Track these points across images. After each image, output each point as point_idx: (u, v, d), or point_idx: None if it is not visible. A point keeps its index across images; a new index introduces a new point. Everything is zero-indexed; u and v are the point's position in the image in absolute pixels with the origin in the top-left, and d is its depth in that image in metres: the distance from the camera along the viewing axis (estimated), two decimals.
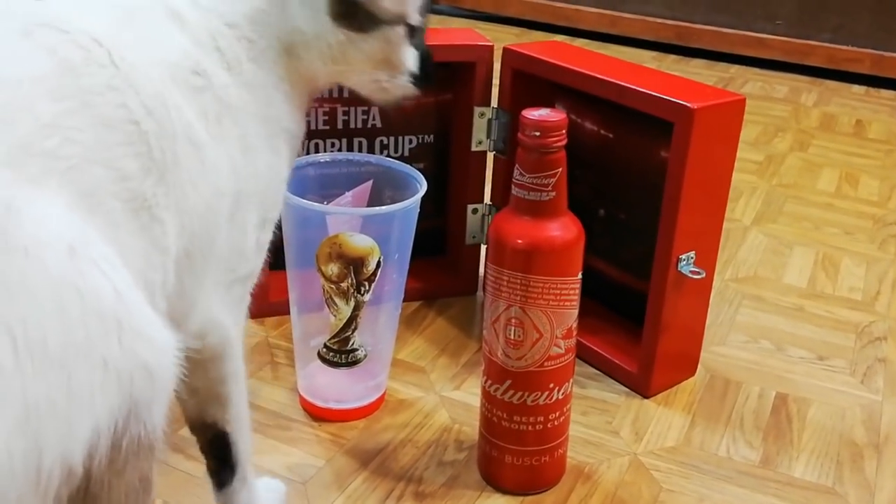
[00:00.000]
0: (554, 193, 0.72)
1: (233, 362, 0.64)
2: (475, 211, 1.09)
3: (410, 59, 0.67)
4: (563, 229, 0.73)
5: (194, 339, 0.59)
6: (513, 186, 0.73)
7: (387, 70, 0.66)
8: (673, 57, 2.37)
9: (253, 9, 0.61)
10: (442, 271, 1.12)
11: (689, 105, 0.83)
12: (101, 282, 0.42)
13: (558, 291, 0.73)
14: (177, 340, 0.47)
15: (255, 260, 0.63)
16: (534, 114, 0.71)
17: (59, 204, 0.43)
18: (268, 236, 0.64)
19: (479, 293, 1.11)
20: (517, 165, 0.73)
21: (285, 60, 0.62)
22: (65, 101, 0.46)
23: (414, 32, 0.66)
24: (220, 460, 0.67)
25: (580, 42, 2.45)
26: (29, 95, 0.45)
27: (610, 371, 0.97)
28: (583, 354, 0.98)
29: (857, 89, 2.17)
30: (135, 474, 0.44)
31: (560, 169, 0.72)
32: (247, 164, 0.59)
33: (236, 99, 0.58)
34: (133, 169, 0.48)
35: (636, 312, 0.95)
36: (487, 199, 1.10)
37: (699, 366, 0.99)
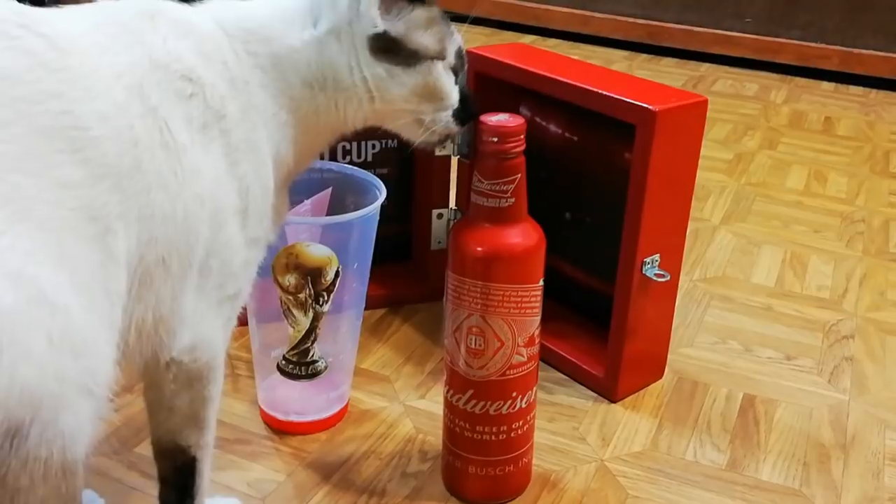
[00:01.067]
0: (513, 200, 0.71)
1: (216, 385, 0.63)
2: (440, 216, 1.07)
3: (454, 92, 0.65)
4: (524, 236, 0.72)
5: (184, 355, 0.59)
6: (471, 193, 0.72)
7: (431, 103, 0.64)
8: (644, 56, 2.37)
9: (284, 46, 0.61)
10: (407, 277, 1.11)
11: (650, 107, 0.83)
12: None
13: (519, 299, 0.72)
14: (110, 360, 0.46)
15: (243, 278, 0.62)
16: (492, 119, 0.70)
17: None
18: (256, 256, 0.63)
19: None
20: (475, 172, 0.71)
21: (303, 94, 0.62)
22: None
23: (455, 70, 0.66)
24: (181, 490, 0.65)
25: (551, 42, 2.45)
26: None
27: (577, 376, 0.96)
28: (549, 359, 0.97)
29: (827, 86, 2.18)
30: (45, 493, 0.43)
31: (519, 175, 0.71)
32: (231, 179, 0.58)
33: (231, 113, 0.57)
34: (77, 176, 0.47)
35: (603, 316, 0.94)
36: (452, 203, 1.08)
37: (667, 368, 0.98)
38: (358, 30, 0.61)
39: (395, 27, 0.62)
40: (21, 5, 0.51)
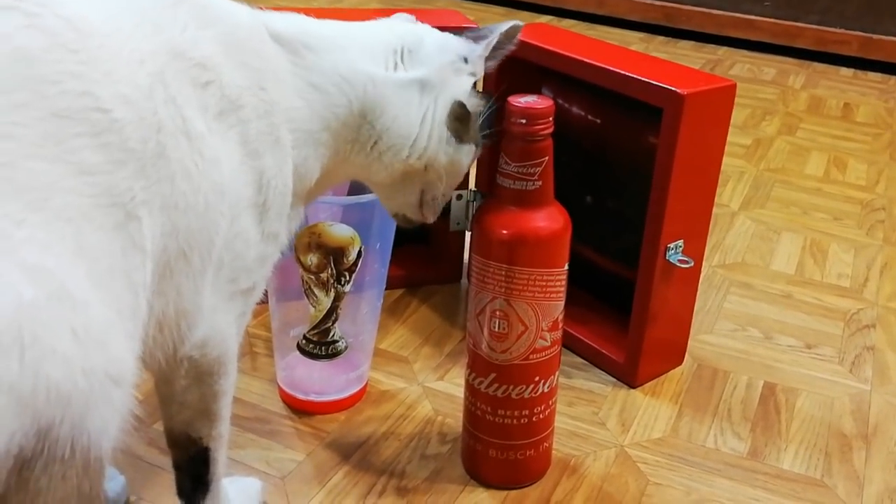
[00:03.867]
0: (540, 183, 0.70)
1: (228, 379, 0.62)
2: (459, 197, 1.06)
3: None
4: (550, 220, 0.71)
5: (196, 349, 0.57)
6: (498, 175, 0.71)
7: (450, 181, 0.69)
8: (660, 38, 2.35)
9: (361, 74, 0.62)
10: (425, 258, 1.10)
11: (678, 91, 0.81)
12: (1, 294, 0.38)
13: (544, 283, 0.71)
14: (132, 354, 0.45)
15: (258, 273, 0.60)
16: (520, 101, 0.69)
17: None
18: (272, 251, 0.61)
19: (464, 280, 1.09)
20: (502, 154, 0.70)
21: (355, 122, 0.63)
22: (10, 93, 0.43)
23: None
24: (196, 478, 0.65)
25: (567, 23, 2.43)
26: None
27: (597, 361, 0.96)
28: (569, 344, 0.96)
29: (845, 72, 2.16)
30: (65, 494, 0.41)
31: (546, 158, 0.70)
32: (249, 170, 0.56)
33: (249, 104, 0.56)
34: (96, 161, 0.45)
35: (623, 301, 0.93)
36: (472, 185, 1.07)
37: (686, 355, 0.97)
38: (447, 91, 0.65)
39: (472, 103, 0.67)
40: None
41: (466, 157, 0.68)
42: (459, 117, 0.65)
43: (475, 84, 0.68)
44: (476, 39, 0.68)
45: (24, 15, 0.45)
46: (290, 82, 0.60)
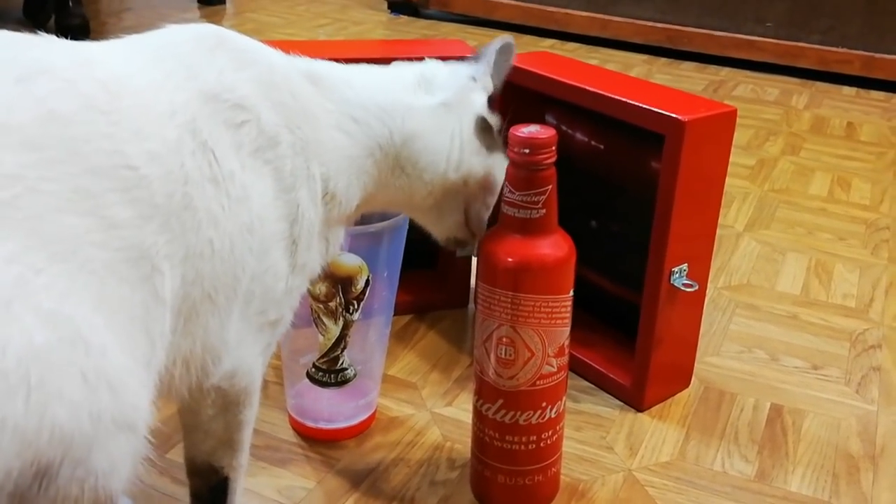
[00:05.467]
0: (544, 211, 0.71)
1: (252, 409, 0.64)
2: None
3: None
4: (554, 247, 0.72)
5: (225, 380, 0.59)
6: (502, 204, 0.72)
7: (486, 193, 0.73)
8: (663, 60, 2.37)
9: (399, 104, 0.68)
10: (433, 284, 1.11)
11: (679, 117, 0.83)
12: (12, 336, 0.40)
13: (550, 310, 0.72)
14: (146, 401, 0.46)
15: (286, 305, 0.62)
16: (523, 130, 0.70)
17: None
18: (300, 283, 0.63)
19: (471, 305, 1.10)
20: (506, 182, 0.72)
21: (395, 146, 0.67)
22: (43, 150, 0.45)
23: None
24: None
25: (570, 46, 2.45)
26: None
27: (603, 384, 0.96)
28: (576, 368, 0.97)
29: (848, 91, 2.17)
30: None
31: (550, 186, 0.71)
32: (282, 204, 0.58)
33: (287, 141, 0.59)
34: (126, 216, 0.47)
35: (629, 324, 0.94)
36: None
37: (693, 377, 0.98)
38: (468, 108, 0.71)
39: (491, 118, 0.73)
40: (78, 44, 0.52)
41: (499, 164, 0.73)
42: (484, 129, 0.72)
43: (490, 99, 0.74)
44: (476, 60, 0.74)
45: (59, 80, 0.48)
46: (327, 119, 0.63)
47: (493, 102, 0.74)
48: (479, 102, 0.72)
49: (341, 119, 0.64)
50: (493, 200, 0.75)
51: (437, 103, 0.70)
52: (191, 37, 0.58)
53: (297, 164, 0.59)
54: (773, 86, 2.17)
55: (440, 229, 0.75)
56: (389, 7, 2.77)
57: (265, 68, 0.60)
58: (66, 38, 0.52)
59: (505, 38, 0.75)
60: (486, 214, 0.75)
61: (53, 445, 0.41)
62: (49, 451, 0.40)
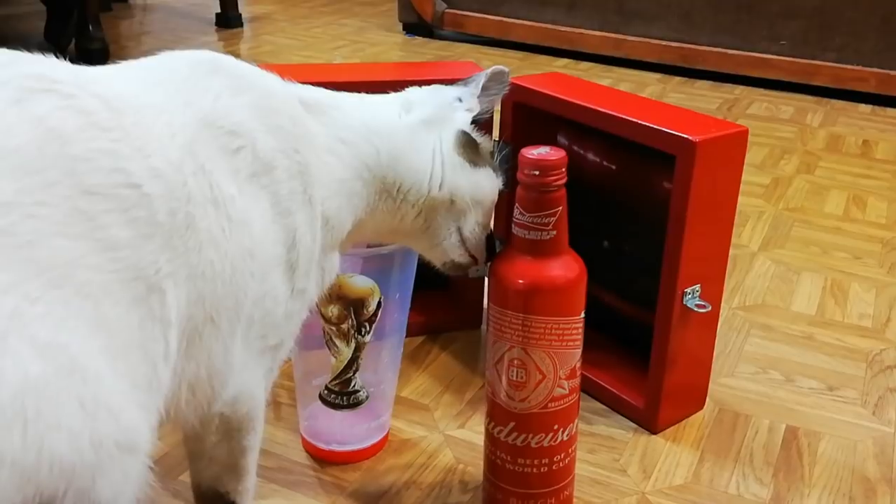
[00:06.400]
0: (554, 232, 0.71)
1: (255, 435, 0.64)
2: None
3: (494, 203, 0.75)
4: (565, 268, 0.72)
5: (227, 406, 0.59)
6: (513, 225, 0.72)
7: (479, 208, 0.73)
8: (678, 79, 2.37)
9: (382, 123, 0.69)
10: (445, 305, 1.11)
11: (690, 138, 0.83)
12: (6, 369, 0.39)
13: (561, 332, 0.72)
14: (146, 424, 0.46)
15: (286, 329, 0.62)
16: (533, 152, 0.71)
17: None
18: (300, 308, 0.63)
19: (484, 326, 1.10)
20: (517, 204, 0.72)
21: (382, 166, 0.67)
22: (39, 173, 0.44)
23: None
24: None
25: (584, 65, 2.45)
26: None
27: (617, 406, 0.96)
28: (589, 389, 0.96)
29: (864, 108, 2.16)
30: None
31: (560, 207, 0.71)
32: (280, 228, 0.58)
33: (283, 166, 0.59)
34: (124, 236, 0.47)
35: (642, 345, 0.94)
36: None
37: (707, 399, 0.97)
38: (448, 125, 0.72)
39: (476, 135, 0.74)
40: (78, 66, 0.52)
41: (487, 180, 0.73)
42: (465, 144, 0.71)
43: (477, 122, 0.75)
44: (467, 83, 0.76)
45: (60, 97, 0.48)
46: (320, 143, 0.64)
47: (482, 125, 0.75)
48: (461, 119, 0.73)
49: (331, 142, 0.65)
50: (487, 219, 0.74)
51: (416, 121, 0.70)
52: (188, 63, 0.58)
53: (293, 188, 0.59)
54: (787, 104, 2.17)
55: (436, 254, 0.74)
56: (404, 28, 2.79)
57: (261, 94, 0.60)
58: (87, 61, 0.53)
59: (500, 66, 0.77)
60: (483, 234, 0.74)
61: (55, 478, 0.40)
62: (51, 483, 0.40)
